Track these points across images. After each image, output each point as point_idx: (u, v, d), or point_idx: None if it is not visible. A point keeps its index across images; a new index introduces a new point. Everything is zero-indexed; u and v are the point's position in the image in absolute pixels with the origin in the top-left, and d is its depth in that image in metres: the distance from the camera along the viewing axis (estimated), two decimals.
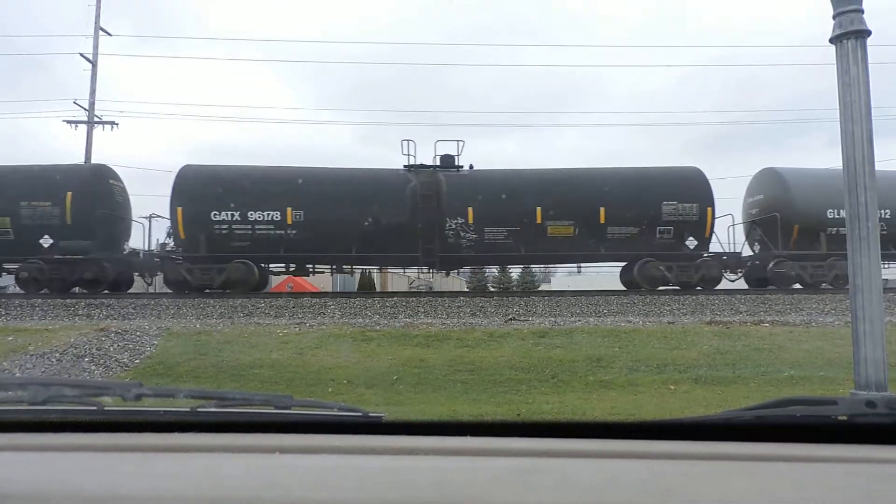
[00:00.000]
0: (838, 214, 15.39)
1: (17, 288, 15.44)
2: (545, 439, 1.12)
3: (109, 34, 26.10)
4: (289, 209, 14.84)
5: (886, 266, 16.63)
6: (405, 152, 15.77)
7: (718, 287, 15.61)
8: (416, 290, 28.74)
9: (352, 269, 17.23)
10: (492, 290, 39.50)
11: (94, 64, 25.34)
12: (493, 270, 37.25)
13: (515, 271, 45.88)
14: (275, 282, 25.09)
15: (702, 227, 15.51)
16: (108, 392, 1.47)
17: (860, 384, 3.42)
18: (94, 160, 24.02)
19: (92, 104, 25.26)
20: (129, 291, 15.89)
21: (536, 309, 12.73)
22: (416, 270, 16.96)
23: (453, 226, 15.18)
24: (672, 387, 7.57)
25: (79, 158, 24.52)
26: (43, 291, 14.56)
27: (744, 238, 17.45)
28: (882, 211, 15.29)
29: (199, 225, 14.81)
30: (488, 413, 6.38)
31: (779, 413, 1.23)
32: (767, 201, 16.69)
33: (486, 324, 10.76)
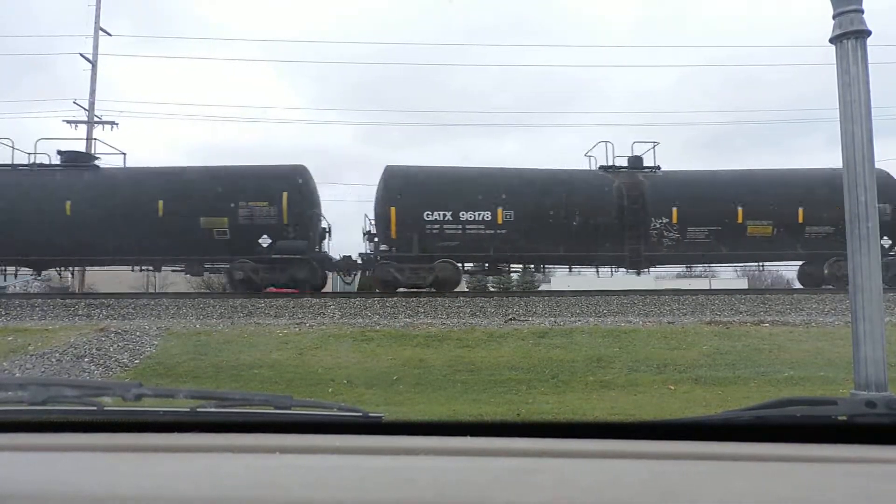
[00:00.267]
0: None
1: (230, 288, 15.26)
2: (545, 439, 1.12)
3: (109, 34, 26.11)
4: (499, 209, 15.09)
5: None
6: (605, 153, 16.22)
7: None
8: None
9: (543, 269, 17.79)
10: (492, 290, 39.47)
11: (94, 64, 25.34)
12: None
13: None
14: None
15: (894, 226, 15.69)
16: (108, 392, 1.47)
17: (860, 384, 3.42)
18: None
19: (92, 104, 25.25)
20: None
21: (536, 309, 12.72)
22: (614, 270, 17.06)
23: (657, 226, 15.50)
24: (672, 387, 7.57)
25: None
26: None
27: None
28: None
29: (412, 225, 15.00)
30: (488, 413, 6.38)
31: (779, 413, 1.23)
32: None
33: (486, 324, 10.76)
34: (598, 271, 16.96)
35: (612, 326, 10.33)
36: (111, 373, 8.41)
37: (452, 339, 9.68)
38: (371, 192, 16.00)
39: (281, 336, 9.87)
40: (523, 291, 29.43)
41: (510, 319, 11.32)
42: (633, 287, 16.07)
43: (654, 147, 16.62)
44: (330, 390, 7.52)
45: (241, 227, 14.76)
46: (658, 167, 16.36)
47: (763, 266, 18.46)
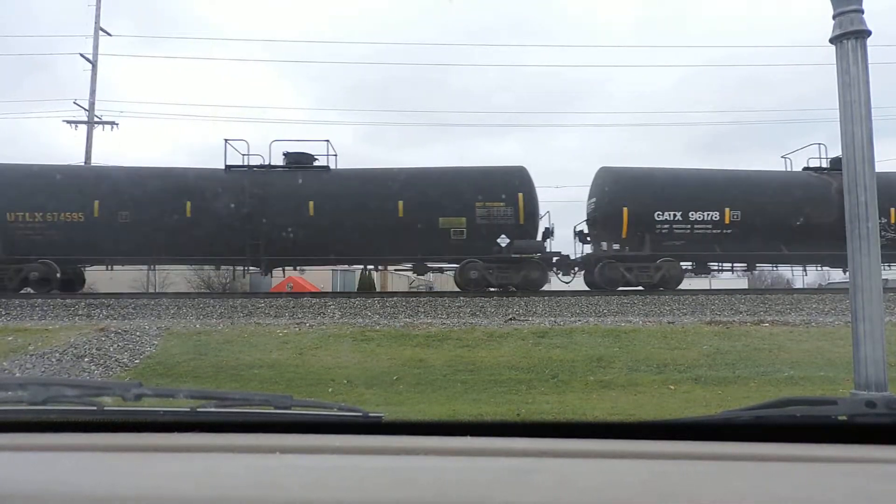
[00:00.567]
0: None
1: (462, 287, 15.39)
2: (545, 439, 1.12)
3: (109, 34, 26.11)
4: (727, 209, 15.37)
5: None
6: (819, 155, 16.68)
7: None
8: (415, 290, 28.74)
9: (753, 269, 17.98)
10: (492, 290, 39.38)
11: (94, 64, 25.34)
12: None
13: None
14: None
15: None
16: (108, 392, 1.47)
17: (860, 384, 3.43)
18: (94, 161, 24.04)
19: (92, 104, 25.26)
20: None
21: (536, 309, 12.72)
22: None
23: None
24: (672, 387, 7.57)
25: (79, 159, 24.52)
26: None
27: None
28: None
29: (644, 225, 15.30)
30: (488, 413, 6.37)
31: (779, 413, 1.23)
32: None
33: (486, 324, 10.76)
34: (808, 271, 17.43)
35: (612, 326, 10.33)
36: (111, 373, 8.41)
37: (452, 338, 9.68)
38: None
39: (281, 336, 9.87)
40: (523, 291, 29.42)
41: (510, 319, 11.31)
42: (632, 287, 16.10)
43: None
44: (330, 390, 7.52)
45: (478, 227, 15.00)
46: None
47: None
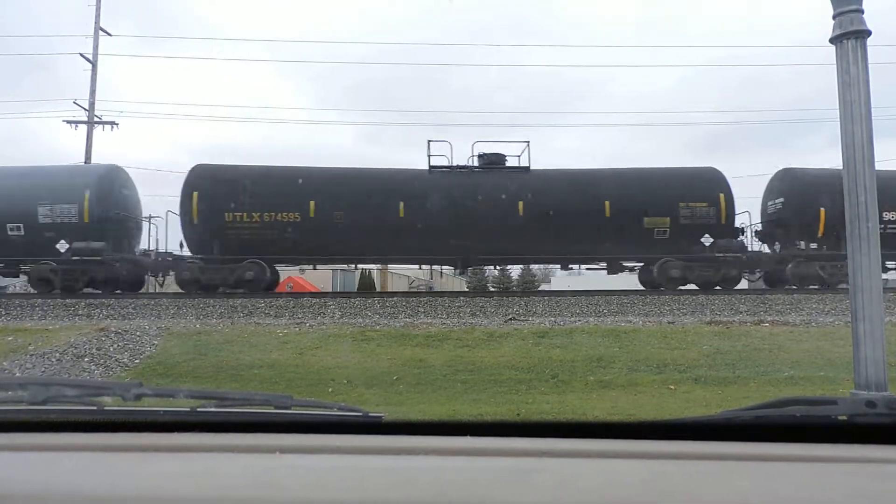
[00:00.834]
0: None
1: (660, 284, 15.56)
2: (545, 439, 1.12)
3: (109, 34, 26.11)
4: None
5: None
6: None
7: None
8: (415, 290, 28.73)
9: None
10: (492, 290, 39.51)
11: (94, 64, 25.34)
12: (493, 270, 37.31)
13: (515, 270, 45.88)
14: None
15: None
16: (108, 392, 1.47)
17: (860, 384, 3.42)
18: (94, 161, 24.03)
19: (92, 104, 25.26)
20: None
21: (536, 309, 12.72)
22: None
23: None
24: (672, 387, 7.57)
25: (79, 159, 24.53)
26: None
27: None
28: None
29: (839, 224, 15.76)
30: (488, 413, 6.37)
31: (779, 413, 1.23)
32: None
33: (486, 324, 10.76)
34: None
35: (612, 326, 10.33)
36: (111, 373, 8.41)
37: (452, 338, 9.68)
38: None
39: (281, 336, 9.87)
40: (523, 291, 29.44)
41: (510, 319, 11.31)
42: (633, 287, 16.09)
43: None
44: (330, 390, 7.52)
45: (681, 226, 15.35)
46: None
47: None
